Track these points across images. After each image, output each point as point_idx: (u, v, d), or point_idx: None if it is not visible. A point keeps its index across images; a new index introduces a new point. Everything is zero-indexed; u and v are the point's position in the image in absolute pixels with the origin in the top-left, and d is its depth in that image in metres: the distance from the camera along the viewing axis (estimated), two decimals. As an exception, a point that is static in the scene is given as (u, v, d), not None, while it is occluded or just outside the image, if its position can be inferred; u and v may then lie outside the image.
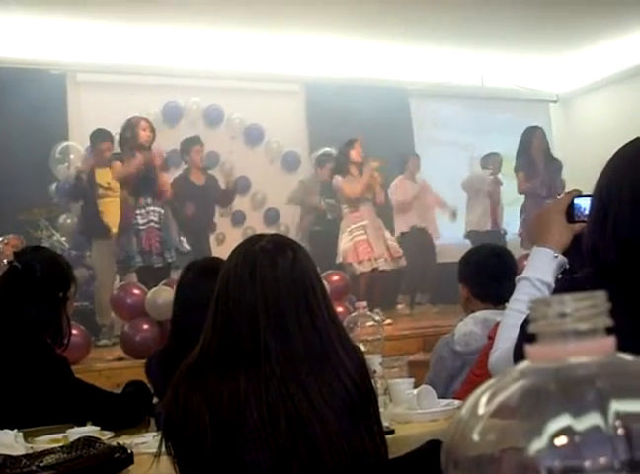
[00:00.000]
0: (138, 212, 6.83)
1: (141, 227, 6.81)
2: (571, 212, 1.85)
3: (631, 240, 1.58)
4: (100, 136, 7.66)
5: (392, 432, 2.22)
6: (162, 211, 6.96)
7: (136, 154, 6.87)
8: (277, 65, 9.66)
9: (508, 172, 9.36)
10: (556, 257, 1.81)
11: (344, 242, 8.05)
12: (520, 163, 8.54)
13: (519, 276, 1.87)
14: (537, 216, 1.97)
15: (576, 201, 1.85)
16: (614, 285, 1.49)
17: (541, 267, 1.82)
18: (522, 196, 8.82)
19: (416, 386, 2.62)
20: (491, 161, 9.33)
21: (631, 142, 1.69)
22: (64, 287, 2.94)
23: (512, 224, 9.32)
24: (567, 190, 1.97)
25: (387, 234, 8.29)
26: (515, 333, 1.67)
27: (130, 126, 6.94)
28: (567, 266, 1.83)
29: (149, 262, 6.80)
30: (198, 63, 9.32)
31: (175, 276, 6.28)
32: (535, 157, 8.46)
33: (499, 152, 9.38)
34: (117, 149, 7.30)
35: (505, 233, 9.30)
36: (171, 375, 1.79)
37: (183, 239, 7.32)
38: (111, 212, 7.13)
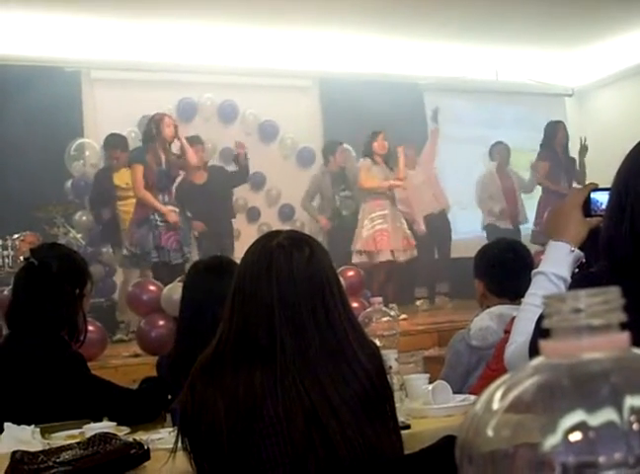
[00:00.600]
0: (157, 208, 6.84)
1: (159, 223, 6.81)
2: (588, 207, 1.84)
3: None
4: (113, 142, 7.71)
5: (408, 427, 2.22)
6: (177, 210, 6.99)
7: (159, 150, 6.88)
8: (290, 61, 9.66)
9: (522, 165, 9.34)
10: (572, 251, 1.81)
11: (365, 230, 8.00)
12: (543, 155, 8.65)
13: (534, 271, 1.86)
14: (554, 211, 1.97)
15: (593, 195, 1.84)
16: (630, 280, 1.48)
17: (557, 261, 1.81)
18: (537, 190, 8.83)
19: (431, 381, 2.62)
20: (497, 150, 9.29)
21: (649, 136, 1.68)
22: (80, 284, 2.96)
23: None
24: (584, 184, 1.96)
25: (404, 223, 8.28)
26: (530, 327, 1.67)
27: (155, 122, 6.94)
28: (583, 260, 1.83)
29: (165, 258, 6.81)
30: (211, 59, 9.33)
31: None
32: (558, 150, 8.59)
33: (504, 141, 9.34)
34: (138, 144, 7.31)
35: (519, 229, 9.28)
36: (180, 376, 1.79)
37: (193, 237, 7.37)
38: (130, 214, 7.15)
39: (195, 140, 7.84)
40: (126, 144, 7.81)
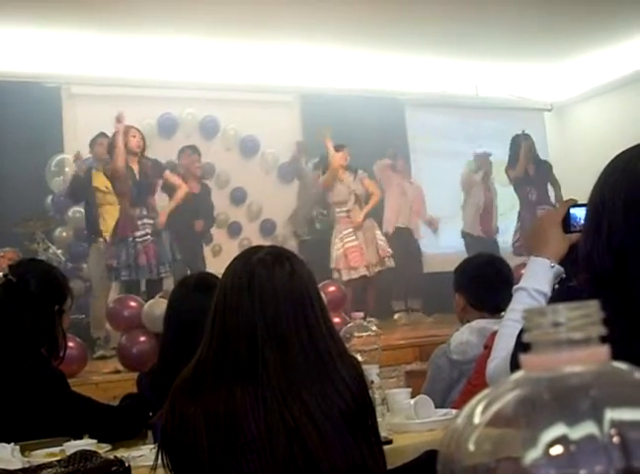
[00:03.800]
0: (139, 223, 6.82)
1: (138, 240, 6.78)
2: (567, 222, 1.84)
3: (625, 248, 1.58)
4: (99, 138, 7.68)
5: (390, 442, 2.21)
6: (155, 223, 6.96)
7: (129, 162, 6.88)
8: (271, 76, 9.67)
9: (503, 179, 9.40)
10: (552, 267, 1.81)
11: (336, 249, 8.10)
12: (510, 166, 8.84)
13: (515, 287, 1.87)
14: (533, 227, 1.98)
15: (572, 211, 1.85)
16: (609, 291, 1.49)
17: (538, 277, 1.82)
18: (517, 206, 8.92)
19: (413, 396, 2.62)
20: (481, 160, 9.41)
21: (625, 150, 1.69)
22: (59, 300, 2.93)
23: (506, 234, 9.37)
24: (563, 199, 1.98)
25: (378, 233, 8.32)
26: (511, 342, 1.67)
27: (120, 133, 6.93)
28: (564, 275, 1.83)
29: (137, 276, 6.79)
30: (192, 75, 9.33)
31: (167, 287, 6.31)
32: (525, 166, 8.74)
33: (490, 153, 9.47)
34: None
35: (497, 242, 9.35)
36: (162, 393, 1.78)
37: (176, 250, 7.34)
38: (110, 218, 7.11)
39: (192, 151, 7.93)
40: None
